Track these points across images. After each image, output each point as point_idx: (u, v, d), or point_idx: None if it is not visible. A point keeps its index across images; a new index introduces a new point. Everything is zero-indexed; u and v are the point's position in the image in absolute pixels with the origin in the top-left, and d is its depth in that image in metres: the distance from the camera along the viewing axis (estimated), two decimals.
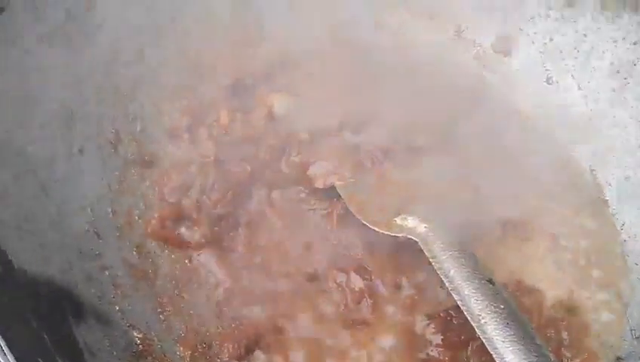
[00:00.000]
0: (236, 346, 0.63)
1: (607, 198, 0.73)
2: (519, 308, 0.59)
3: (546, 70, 0.79)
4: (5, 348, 0.46)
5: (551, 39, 0.79)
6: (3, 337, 0.47)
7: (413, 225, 0.66)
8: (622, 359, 0.64)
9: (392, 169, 0.71)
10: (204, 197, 0.70)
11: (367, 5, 0.85)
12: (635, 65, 0.72)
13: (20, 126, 0.63)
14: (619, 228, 0.71)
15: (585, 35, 0.76)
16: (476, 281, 0.60)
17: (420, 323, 0.65)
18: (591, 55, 0.76)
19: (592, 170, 0.75)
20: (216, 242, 0.69)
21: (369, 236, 0.68)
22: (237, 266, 0.68)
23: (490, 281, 0.60)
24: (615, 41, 0.73)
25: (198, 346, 0.64)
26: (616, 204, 0.73)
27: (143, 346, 0.62)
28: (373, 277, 0.67)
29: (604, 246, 0.70)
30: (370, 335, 0.65)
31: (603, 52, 0.75)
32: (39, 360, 0.51)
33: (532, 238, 0.71)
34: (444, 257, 0.63)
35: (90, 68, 0.71)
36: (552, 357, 0.55)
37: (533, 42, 0.80)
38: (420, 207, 0.67)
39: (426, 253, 0.64)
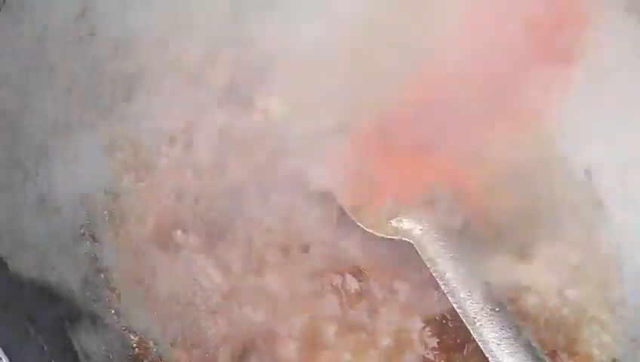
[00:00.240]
0: (232, 349, 0.63)
1: (603, 201, 0.73)
2: (514, 310, 0.59)
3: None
4: (1, 352, 0.46)
5: None
6: None
7: (408, 227, 0.66)
8: (617, 361, 0.64)
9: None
10: (200, 200, 0.71)
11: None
12: (629, 68, 0.72)
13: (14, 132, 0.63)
14: (614, 231, 0.71)
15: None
16: (472, 284, 0.60)
17: (416, 326, 0.65)
18: (588, 57, 0.76)
19: (587, 173, 0.75)
20: (211, 246, 0.69)
21: (365, 238, 0.68)
22: (233, 270, 0.68)
23: (486, 284, 0.61)
24: (611, 40, 0.73)
25: (194, 349, 0.64)
26: (612, 206, 0.72)
27: (139, 349, 0.62)
28: (368, 280, 0.68)
29: (599, 249, 0.70)
30: (365, 338, 0.65)
31: (597, 54, 0.75)
32: None
33: (527, 241, 0.71)
34: (439, 260, 0.63)
35: (86, 71, 0.71)
36: (547, 359, 0.55)
37: None
38: (415, 210, 0.67)
39: (422, 256, 0.64)
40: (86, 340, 0.58)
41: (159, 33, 0.77)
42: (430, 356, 0.64)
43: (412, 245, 0.65)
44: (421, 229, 0.66)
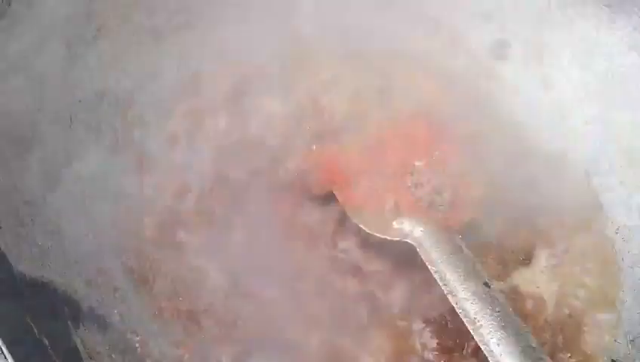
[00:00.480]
0: (234, 349, 0.64)
1: (602, 202, 0.73)
2: (515, 311, 0.60)
3: (542, 75, 0.79)
4: (6, 352, 0.46)
5: (547, 44, 0.79)
6: (4, 341, 0.47)
7: (409, 228, 0.67)
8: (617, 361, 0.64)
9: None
10: (203, 201, 0.71)
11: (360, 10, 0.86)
12: (629, 70, 0.73)
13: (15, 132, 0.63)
14: (614, 232, 0.72)
15: (581, 41, 0.76)
16: (472, 284, 0.60)
17: (416, 327, 0.65)
18: (586, 60, 0.76)
19: (586, 174, 0.75)
20: (214, 246, 0.69)
21: (366, 240, 0.69)
22: (235, 270, 0.68)
23: (487, 285, 0.61)
24: (610, 46, 0.74)
25: (196, 350, 0.64)
26: (612, 208, 0.73)
27: (142, 349, 0.62)
28: (369, 281, 0.68)
29: (599, 249, 0.71)
30: (366, 339, 0.65)
31: (598, 57, 0.75)
32: None
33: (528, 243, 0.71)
34: (440, 261, 0.63)
35: (89, 73, 0.72)
36: (548, 360, 0.56)
37: (528, 47, 0.80)
38: (416, 212, 0.68)
39: (423, 257, 0.64)
40: (89, 340, 0.58)
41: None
42: (430, 357, 0.64)
43: (413, 246, 0.66)
44: (422, 231, 0.66)
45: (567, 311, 0.67)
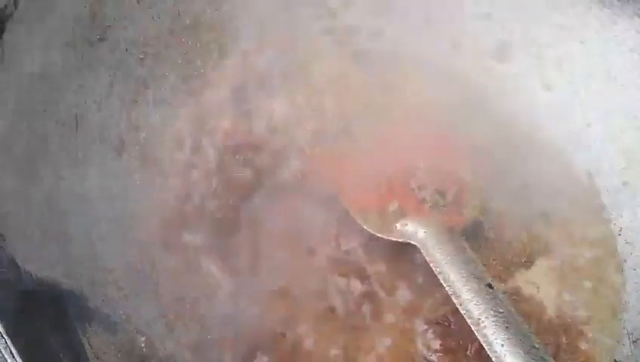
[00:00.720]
0: (239, 350, 0.64)
1: (605, 204, 0.74)
2: (518, 312, 0.60)
3: (543, 77, 0.80)
4: (15, 352, 0.47)
5: (548, 46, 0.79)
6: (12, 342, 0.47)
7: (413, 230, 0.67)
8: None
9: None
10: (207, 202, 0.71)
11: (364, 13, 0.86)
12: (631, 72, 0.73)
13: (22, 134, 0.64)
14: (617, 234, 0.72)
15: (582, 43, 0.76)
16: (476, 285, 0.61)
17: (419, 328, 0.65)
18: (588, 61, 0.76)
19: (589, 176, 0.75)
20: (218, 247, 0.69)
21: (369, 241, 0.69)
22: (239, 271, 0.69)
23: (490, 286, 0.61)
24: (612, 48, 0.74)
25: (201, 350, 0.64)
26: (614, 209, 0.73)
27: (148, 349, 0.63)
28: (373, 282, 0.68)
29: (602, 251, 0.71)
30: (369, 340, 0.66)
31: (600, 58, 0.75)
32: None
33: (530, 244, 0.71)
34: (443, 261, 0.63)
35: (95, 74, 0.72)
36: (551, 360, 0.56)
37: (529, 48, 0.81)
38: (419, 213, 0.68)
39: (426, 258, 0.65)
40: (96, 341, 0.58)
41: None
42: (433, 358, 0.64)
43: (416, 247, 0.66)
44: (425, 232, 0.66)
45: (569, 313, 0.67)
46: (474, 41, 0.83)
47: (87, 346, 0.57)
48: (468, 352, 0.63)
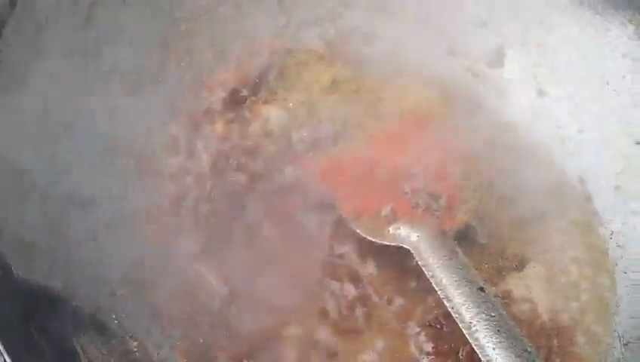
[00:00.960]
0: (231, 354, 0.64)
1: (597, 208, 0.74)
2: (509, 315, 0.60)
3: (537, 82, 0.80)
4: (8, 359, 0.47)
5: (542, 51, 0.80)
6: (3, 346, 0.47)
7: (406, 234, 0.67)
8: None
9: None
10: (201, 206, 0.72)
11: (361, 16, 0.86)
12: (624, 77, 0.73)
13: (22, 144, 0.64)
14: (608, 237, 0.72)
15: (577, 48, 0.77)
16: (468, 289, 0.61)
17: (412, 331, 0.66)
18: (582, 67, 0.77)
19: (581, 180, 0.76)
20: (212, 251, 0.70)
21: (362, 245, 0.69)
22: (233, 275, 0.69)
23: (482, 289, 0.61)
24: (605, 54, 0.75)
25: (194, 354, 0.64)
26: (606, 213, 0.73)
27: (140, 354, 0.63)
28: (366, 286, 0.68)
29: (593, 254, 0.71)
30: (362, 343, 0.66)
31: (593, 64, 0.76)
32: None
33: (522, 248, 0.72)
34: (436, 265, 0.64)
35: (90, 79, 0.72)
36: None
37: (524, 54, 0.81)
38: (412, 217, 0.68)
39: (419, 261, 0.65)
40: (88, 345, 0.58)
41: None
42: (425, 360, 0.64)
43: (409, 251, 0.66)
44: (418, 236, 0.67)
45: (561, 316, 0.68)
46: (469, 47, 0.84)
47: (80, 351, 0.57)
48: (460, 355, 0.64)
